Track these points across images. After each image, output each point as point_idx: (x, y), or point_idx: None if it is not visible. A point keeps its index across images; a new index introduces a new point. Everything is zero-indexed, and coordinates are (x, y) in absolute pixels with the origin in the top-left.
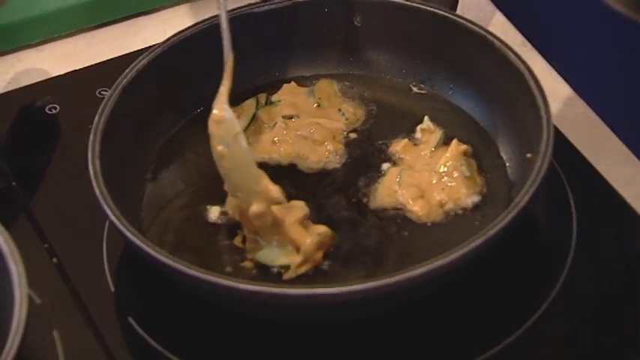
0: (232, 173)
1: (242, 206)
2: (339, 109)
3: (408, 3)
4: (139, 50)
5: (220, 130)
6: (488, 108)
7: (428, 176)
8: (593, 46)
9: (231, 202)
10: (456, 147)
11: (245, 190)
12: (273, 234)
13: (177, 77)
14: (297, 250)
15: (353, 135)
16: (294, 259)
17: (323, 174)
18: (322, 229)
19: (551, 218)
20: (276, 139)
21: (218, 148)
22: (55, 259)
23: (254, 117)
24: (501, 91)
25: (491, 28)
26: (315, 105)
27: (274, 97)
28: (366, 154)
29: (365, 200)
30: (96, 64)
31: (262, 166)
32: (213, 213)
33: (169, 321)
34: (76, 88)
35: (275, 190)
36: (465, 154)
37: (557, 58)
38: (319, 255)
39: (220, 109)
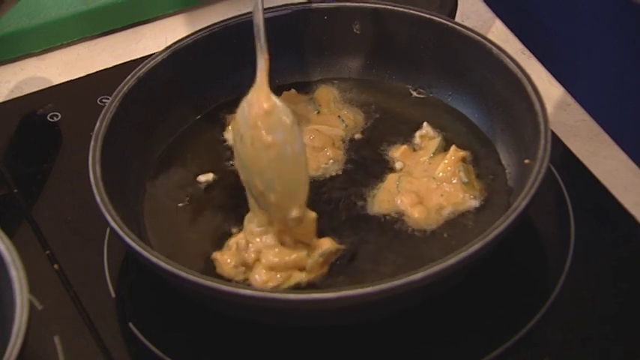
0: (279, 164)
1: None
2: (339, 116)
3: (406, 10)
4: (139, 58)
5: (271, 120)
6: (488, 114)
7: (427, 182)
8: (592, 53)
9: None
10: (454, 153)
11: (288, 182)
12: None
13: (178, 85)
14: (300, 268)
15: (352, 141)
16: (298, 277)
17: (322, 180)
18: (326, 245)
19: (549, 224)
20: None
21: (267, 139)
22: (56, 266)
23: None
24: (500, 98)
25: (490, 36)
26: (315, 112)
27: None
28: (366, 161)
29: (364, 206)
30: (97, 72)
31: None
32: (206, 177)
33: (170, 327)
34: (77, 96)
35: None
36: (463, 160)
37: (556, 65)
38: (324, 270)
39: (268, 99)
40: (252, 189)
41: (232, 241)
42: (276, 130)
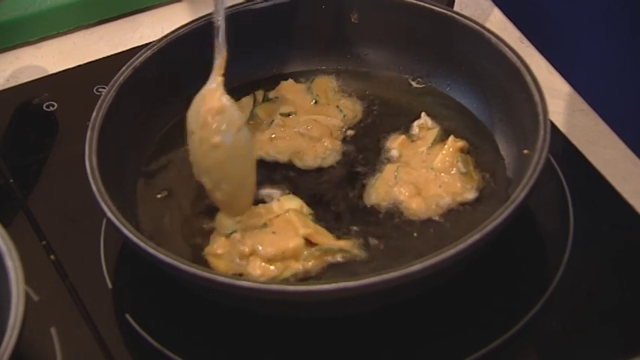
0: (226, 165)
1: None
2: (337, 106)
3: (405, 0)
4: (136, 47)
5: (219, 120)
6: (486, 104)
7: (425, 173)
8: (591, 42)
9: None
10: (452, 143)
11: (234, 182)
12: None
13: (174, 74)
14: (296, 259)
15: (350, 132)
16: (295, 268)
17: (320, 171)
18: (337, 244)
19: (548, 214)
20: (273, 135)
21: (214, 139)
22: (52, 256)
23: (251, 114)
24: (499, 88)
25: (488, 25)
26: (313, 102)
27: (271, 94)
28: (364, 151)
29: (361, 197)
30: (93, 61)
31: (259, 163)
32: None
33: (167, 318)
34: (73, 85)
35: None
36: (461, 150)
37: (554, 55)
38: (320, 261)
39: (219, 99)
40: (203, 184)
41: (215, 235)
42: (224, 132)
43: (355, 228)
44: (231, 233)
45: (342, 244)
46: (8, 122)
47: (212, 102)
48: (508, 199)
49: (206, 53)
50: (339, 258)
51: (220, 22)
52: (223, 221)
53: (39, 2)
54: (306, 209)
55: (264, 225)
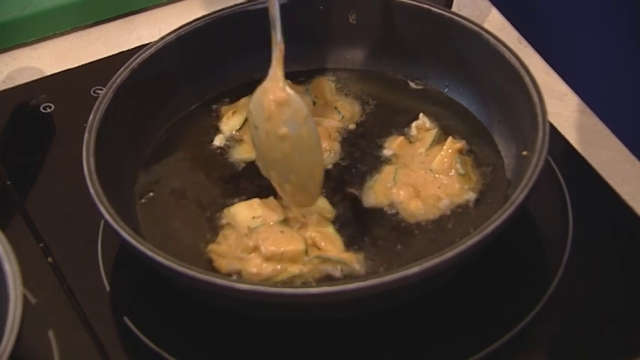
0: (294, 157)
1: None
2: (336, 107)
3: (403, 0)
4: (133, 49)
5: (285, 112)
6: (485, 105)
7: (423, 175)
8: (590, 42)
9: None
10: (451, 145)
11: (302, 174)
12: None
13: (172, 76)
14: (296, 262)
15: (349, 133)
16: (292, 271)
17: None
18: (339, 257)
19: (547, 216)
20: None
21: (281, 130)
22: (50, 259)
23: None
24: (497, 88)
25: (486, 25)
26: (311, 103)
27: None
28: (362, 152)
29: (360, 198)
30: (91, 62)
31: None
32: (219, 140)
33: (165, 320)
34: (70, 86)
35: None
36: (460, 151)
37: (553, 55)
38: (320, 265)
39: (283, 90)
40: (270, 179)
41: (224, 233)
42: (289, 122)
43: (353, 230)
44: (257, 227)
45: (344, 256)
46: (5, 124)
47: (275, 94)
48: (507, 201)
49: (204, 54)
50: (338, 270)
51: (276, 14)
52: (239, 216)
53: (35, 3)
54: (328, 211)
55: (285, 221)
